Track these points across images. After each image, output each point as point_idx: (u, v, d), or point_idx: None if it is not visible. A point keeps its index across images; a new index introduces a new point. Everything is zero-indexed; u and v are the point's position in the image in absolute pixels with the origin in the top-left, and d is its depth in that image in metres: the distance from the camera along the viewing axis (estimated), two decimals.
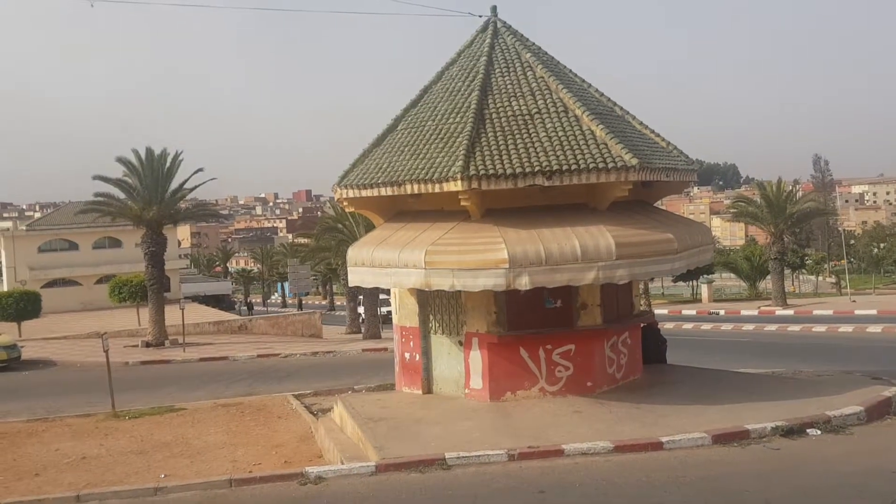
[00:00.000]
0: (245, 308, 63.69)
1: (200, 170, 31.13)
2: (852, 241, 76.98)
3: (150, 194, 29.95)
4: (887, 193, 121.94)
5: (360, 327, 35.80)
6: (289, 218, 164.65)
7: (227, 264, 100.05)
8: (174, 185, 30.68)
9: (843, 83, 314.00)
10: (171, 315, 29.78)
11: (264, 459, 12.05)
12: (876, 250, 67.84)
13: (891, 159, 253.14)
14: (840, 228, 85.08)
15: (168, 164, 30.39)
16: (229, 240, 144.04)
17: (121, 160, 29.93)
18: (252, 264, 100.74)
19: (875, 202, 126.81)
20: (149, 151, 30.28)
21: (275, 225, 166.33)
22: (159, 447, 13.20)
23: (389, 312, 17.98)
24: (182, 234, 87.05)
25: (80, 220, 45.54)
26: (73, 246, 50.53)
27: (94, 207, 31.64)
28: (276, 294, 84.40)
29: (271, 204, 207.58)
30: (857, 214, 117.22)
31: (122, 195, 30.41)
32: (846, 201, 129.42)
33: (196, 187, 31.89)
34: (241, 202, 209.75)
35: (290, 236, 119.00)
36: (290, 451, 12.54)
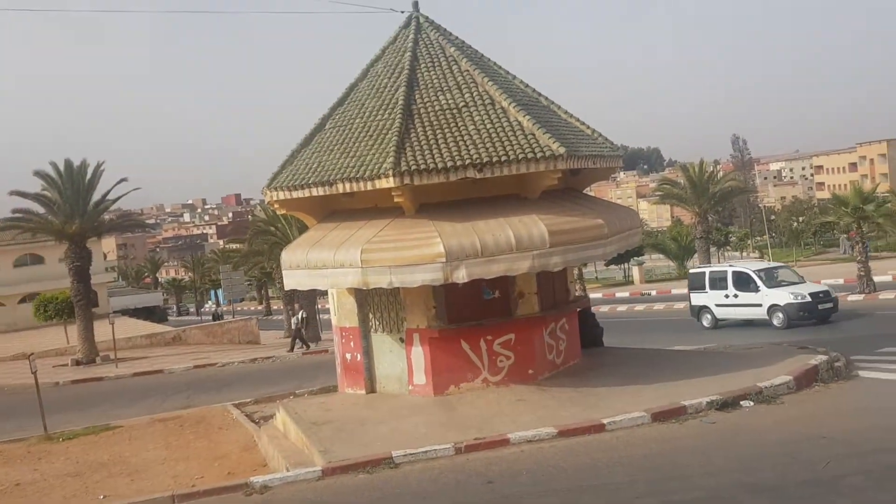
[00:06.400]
0: (210, 318, 60.20)
1: (124, 179, 30.10)
2: (773, 217, 79.65)
3: (72, 207, 28.90)
4: (803, 169, 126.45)
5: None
6: (219, 224, 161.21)
7: (157, 275, 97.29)
8: (96, 196, 29.65)
9: (755, 63, 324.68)
10: (102, 330, 28.80)
11: (207, 472, 11.80)
12: (795, 224, 70.32)
13: (805, 135, 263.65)
14: (760, 205, 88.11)
15: (89, 176, 29.35)
16: (157, 249, 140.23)
17: (38, 174, 28.78)
18: (183, 273, 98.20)
19: (792, 177, 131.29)
20: (68, 163, 29.19)
21: (204, 231, 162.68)
22: (96, 468, 12.79)
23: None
24: (107, 247, 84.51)
25: None
26: None
27: (12, 224, 30.48)
28: (209, 302, 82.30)
29: (199, 210, 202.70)
30: (776, 190, 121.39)
31: (42, 210, 29.31)
32: (765, 178, 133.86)
33: (119, 198, 30.86)
34: (168, 210, 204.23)
35: (220, 242, 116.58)
36: (234, 461, 12.31)
